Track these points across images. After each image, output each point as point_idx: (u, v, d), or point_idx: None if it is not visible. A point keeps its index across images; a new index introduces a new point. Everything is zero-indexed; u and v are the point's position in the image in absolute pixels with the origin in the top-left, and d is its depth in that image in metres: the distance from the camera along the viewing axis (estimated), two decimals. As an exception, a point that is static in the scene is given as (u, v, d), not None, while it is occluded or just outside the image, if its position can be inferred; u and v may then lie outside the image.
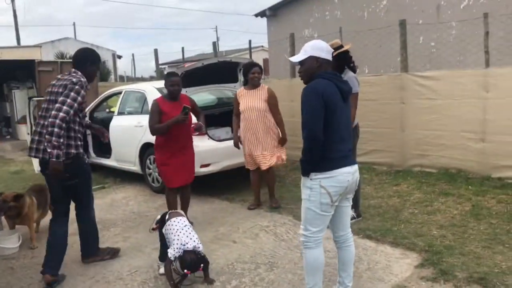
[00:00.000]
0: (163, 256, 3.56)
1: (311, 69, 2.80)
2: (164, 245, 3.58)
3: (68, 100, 3.47)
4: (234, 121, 5.33)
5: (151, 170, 6.37)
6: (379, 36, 8.36)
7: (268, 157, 5.11)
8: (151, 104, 4.76)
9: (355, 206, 4.67)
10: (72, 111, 3.49)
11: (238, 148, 5.30)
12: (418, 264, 3.57)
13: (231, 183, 6.33)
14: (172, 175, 4.55)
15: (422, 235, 4.12)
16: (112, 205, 5.88)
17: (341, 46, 4.45)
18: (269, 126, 5.10)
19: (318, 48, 2.82)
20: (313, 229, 2.86)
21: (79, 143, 3.70)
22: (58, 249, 3.75)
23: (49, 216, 4.91)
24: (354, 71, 4.55)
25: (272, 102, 5.14)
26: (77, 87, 3.53)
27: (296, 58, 2.87)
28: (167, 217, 3.61)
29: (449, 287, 3.17)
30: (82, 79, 3.60)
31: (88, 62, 3.75)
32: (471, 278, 3.23)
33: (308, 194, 2.81)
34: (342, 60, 4.43)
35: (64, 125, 3.42)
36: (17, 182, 7.55)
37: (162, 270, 3.60)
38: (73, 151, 3.65)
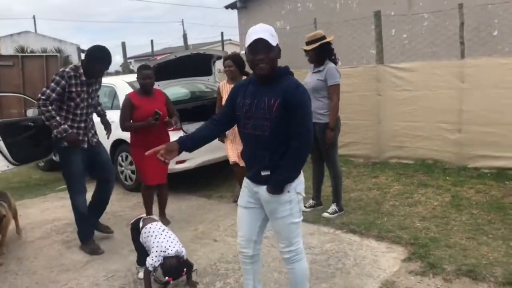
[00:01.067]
0: (141, 260, 3.38)
1: (276, 60, 2.40)
2: (140, 250, 3.38)
3: (47, 91, 3.80)
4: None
5: (123, 168, 6.11)
6: (353, 28, 8.32)
7: None
8: (122, 99, 4.52)
9: (337, 199, 4.60)
10: (49, 99, 3.77)
11: (223, 141, 5.00)
12: (405, 258, 3.51)
13: (208, 179, 6.16)
14: (149, 172, 4.34)
15: (406, 228, 4.07)
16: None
17: (324, 37, 4.36)
18: None
19: (276, 35, 2.40)
20: (298, 239, 2.61)
21: (45, 115, 3.85)
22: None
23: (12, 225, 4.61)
24: (335, 63, 4.47)
25: None
26: (57, 77, 3.81)
27: (272, 40, 2.33)
28: (141, 224, 3.39)
29: (438, 281, 3.12)
30: (66, 70, 3.84)
31: (88, 58, 3.89)
32: (460, 270, 3.20)
33: (288, 208, 2.48)
34: (325, 51, 4.37)
35: (43, 108, 3.77)
36: (-22, 183, 7.11)
37: (141, 275, 3.40)
38: (53, 134, 3.92)
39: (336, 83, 4.35)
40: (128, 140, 5.69)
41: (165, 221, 4.49)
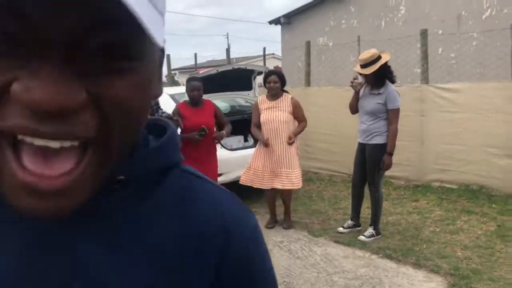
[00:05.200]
0: None
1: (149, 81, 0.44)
2: None
3: None
4: (254, 131, 4.90)
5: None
6: (399, 46, 8.16)
7: (288, 175, 4.71)
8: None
9: (375, 223, 4.45)
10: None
11: (268, 144, 4.70)
12: (444, 289, 3.35)
13: (243, 194, 6.13)
14: None
15: (446, 257, 3.88)
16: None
17: (380, 57, 4.11)
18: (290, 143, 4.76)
19: None
20: None
21: None
22: None
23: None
24: (393, 82, 4.28)
25: (298, 113, 4.77)
26: None
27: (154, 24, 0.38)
28: None
29: (479, 317, 2.95)
30: None
31: None
32: (504, 307, 3.00)
33: None
34: (385, 72, 4.13)
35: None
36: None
37: None
38: None
39: (397, 107, 4.16)
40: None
41: None
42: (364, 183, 4.53)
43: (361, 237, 4.37)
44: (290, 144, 4.70)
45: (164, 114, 4.35)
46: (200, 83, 4.47)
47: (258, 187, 4.86)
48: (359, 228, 4.60)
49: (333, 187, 6.49)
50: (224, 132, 4.52)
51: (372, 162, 4.31)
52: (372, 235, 4.38)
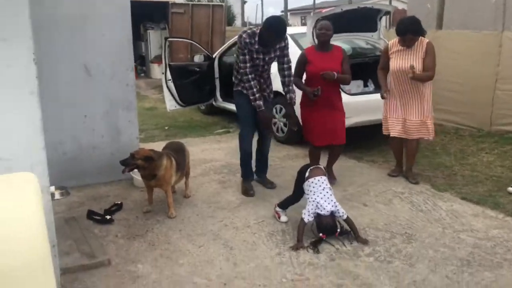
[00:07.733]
0: (285, 204, 3.66)
1: None
2: (294, 195, 3.62)
3: (240, 64, 4.05)
4: (380, 75, 4.64)
5: (276, 120, 6.23)
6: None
7: (418, 125, 4.41)
8: None
9: None
10: (247, 69, 4.00)
11: (384, 98, 4.55)
12: None
13: (359, 141, 5.94)
14: (317, 133, 4.34)
15: None
16: (237, 151, 5.78)
17: None
18: (423, 90, 4.37)
19: None
20: None
21: (245, 85, 4.07)
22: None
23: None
24: None
25: (426, 60, 4.30)
26: (239, 49, 4.04)
27: None
28: (307, 174, 3.46)
29: None
30: (243, 36, 3.97)
31: (263, 27, 3.97)
32: None
33: None
34: None
35: (245, 77, 4.03)
36: (151, 118, 8.01)
37: (283, 218, 3.65)
38: (238, 88, 4.22)
39: None
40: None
41: (331, 179, 4.22)
42: None
43: (510, 188, 4.18)
44: (414, 78, 4.26)
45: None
46: (329, 22, 4.24)
47: (393, 135, 4.58)
48: None
49: (460, 141, 6.00)
50: (335, 75, 4.17)
51: None
52: None
